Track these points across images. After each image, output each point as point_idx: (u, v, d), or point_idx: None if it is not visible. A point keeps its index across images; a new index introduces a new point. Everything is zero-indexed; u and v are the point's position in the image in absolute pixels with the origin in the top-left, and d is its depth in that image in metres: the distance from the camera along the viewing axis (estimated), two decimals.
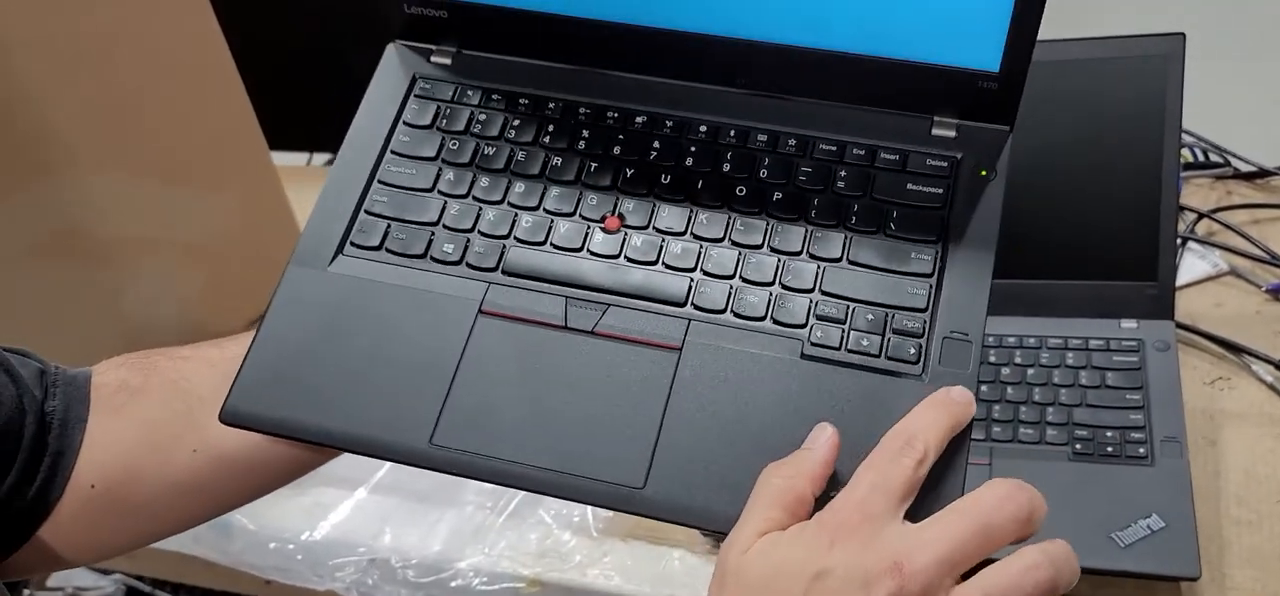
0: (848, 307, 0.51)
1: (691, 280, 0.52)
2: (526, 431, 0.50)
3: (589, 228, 0.55)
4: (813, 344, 0.50)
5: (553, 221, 0.55)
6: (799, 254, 0.53)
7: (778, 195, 0.55)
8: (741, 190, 0.55)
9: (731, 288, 0.52)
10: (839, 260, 0.52)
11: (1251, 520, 0.75)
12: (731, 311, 0.52)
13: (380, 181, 0.58)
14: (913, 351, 0.49)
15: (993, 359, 0.84)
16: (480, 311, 0.53)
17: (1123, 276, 0.85)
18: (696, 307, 0.52)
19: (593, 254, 0.54)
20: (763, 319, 0.51)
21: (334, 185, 0.57)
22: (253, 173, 1.01)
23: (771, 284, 0.52)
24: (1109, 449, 0.77)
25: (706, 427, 0.49)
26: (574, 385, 0.50)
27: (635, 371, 0.50)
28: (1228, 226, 0.97)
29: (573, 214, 0.55)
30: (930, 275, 0.51)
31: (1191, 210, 0.99)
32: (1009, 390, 0.82)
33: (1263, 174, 1.02)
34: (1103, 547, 0.71)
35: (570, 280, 0.53)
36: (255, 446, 0.55)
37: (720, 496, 0.47)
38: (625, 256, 0.54)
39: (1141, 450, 0.76)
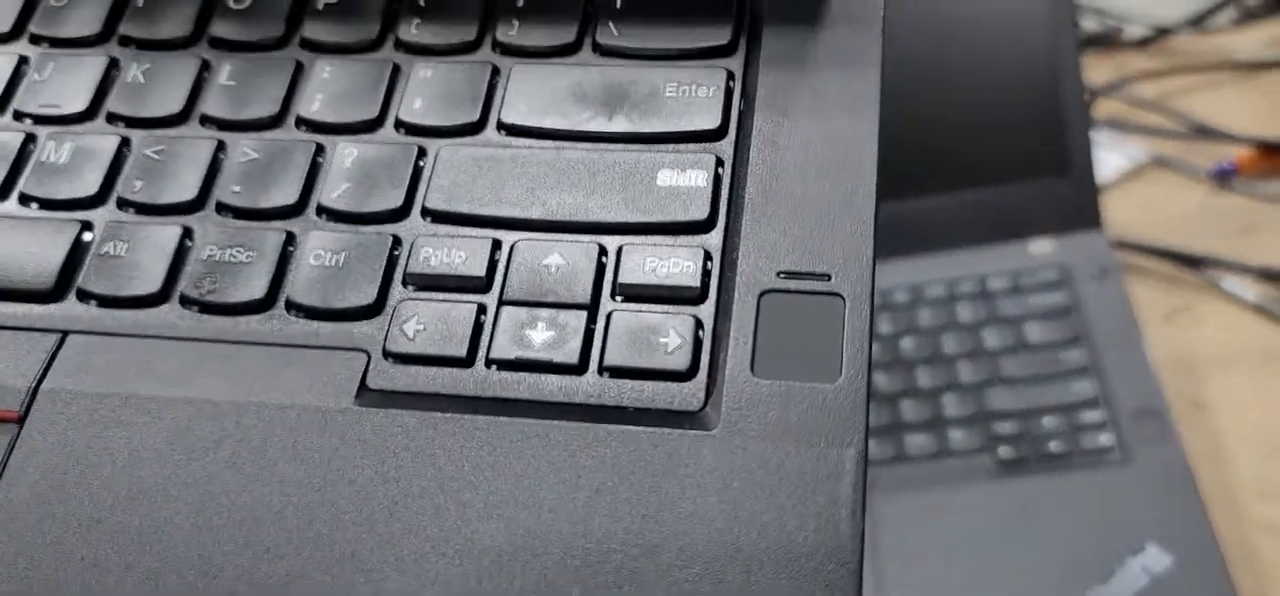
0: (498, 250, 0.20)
1: (83, 230, 0.21)
2: None
3: None
4: (391, 355, 0.19)
5: None
6: (379, 123, 0.22)
7: None
8: None
9: (183, 236, 0.20)
10: (477, 129, 0.21)
11: None
12: (182, 296, 0.20)
13: None
14: (678, 347, 0.19)
15: None
16: None
17: (1018, 175, 0.56)
18: (88, 295, 0.20)
19: None
20: (268, 303, 0.19)
21: None
22: None
23: (295, 210, 0.20)
24: (1051, 447, 0.46)
25: None
26: None
27: None
28: (1136, 103, 0.70)
29: None
30: (721, 130, 0.21)
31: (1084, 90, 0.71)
32: (879, 380, 0.51)
33: (1161, 34, 0.75)
34: None
35: None
36: None
37: None
38: None
39: (1104, 438, 0.46)
